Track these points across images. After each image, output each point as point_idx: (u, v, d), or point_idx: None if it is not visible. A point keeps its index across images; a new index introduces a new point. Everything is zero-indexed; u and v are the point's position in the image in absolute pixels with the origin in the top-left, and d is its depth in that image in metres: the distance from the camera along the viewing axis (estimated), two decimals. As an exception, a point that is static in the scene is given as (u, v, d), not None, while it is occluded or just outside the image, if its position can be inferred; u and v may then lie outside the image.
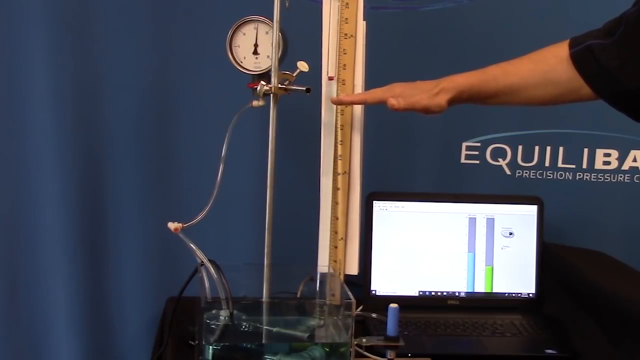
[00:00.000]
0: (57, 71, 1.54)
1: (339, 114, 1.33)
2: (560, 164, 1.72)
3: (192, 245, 1.19)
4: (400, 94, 1.21)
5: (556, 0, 1.66)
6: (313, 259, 1.37)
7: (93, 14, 1.55)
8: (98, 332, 1.64)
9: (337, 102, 1.30)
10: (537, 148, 1.71)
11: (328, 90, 1.32)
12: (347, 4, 1.31)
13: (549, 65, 1.15)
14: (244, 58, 1.28)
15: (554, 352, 1.38)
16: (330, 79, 1.31)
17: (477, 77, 1.20)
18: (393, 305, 1.17)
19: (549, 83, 1.16)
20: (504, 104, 1.22)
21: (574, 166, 1.72)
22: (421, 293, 1.55)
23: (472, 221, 1.56)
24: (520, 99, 1.19)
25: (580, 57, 1.12)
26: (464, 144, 1.70)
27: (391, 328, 1.17)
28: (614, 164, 1.72)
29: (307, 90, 1.25)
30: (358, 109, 1.34)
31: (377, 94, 1.24)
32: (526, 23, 1.65)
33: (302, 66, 1.25)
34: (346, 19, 1.31)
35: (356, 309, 1.19)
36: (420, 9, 1.63)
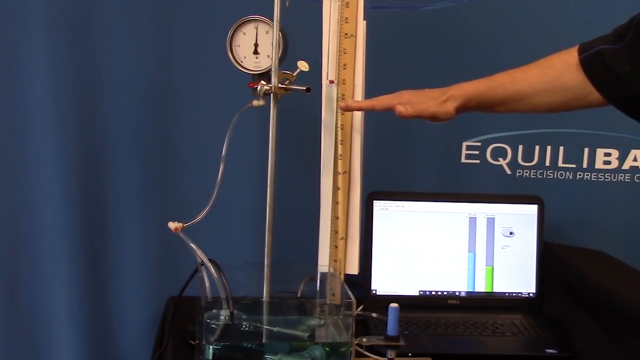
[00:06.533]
0: (57, 71, 1.54)
1: (339, 114, 1.33)
2: (560, 164, 1.72)
3: (192, 244, 1.19)
4: (408, 101, 1.21)
5: (556, 1, 1.66)
6: (313, 258, 1.37)
7: (93, 14, 1.54)
8: (98, 332, 1.63)
9: (345, 108, 1.30)
10: (537, 148, 1.71)
11: (328, 90, 1.32)
12: (347, 3, 1.31)
13: (557, 72, 1.15)
14: (244, 58, 1.28)
15: (554, 351, 1.38)
16: (331, 82, 1.31)
17: (484, 84, 1.20)
18: (393, 305, 1.17)
19: (558, 89, 1.16)
20: (512, 111, 1.22)
21: (574, 166, 1.72)
22: (421, 292, 1.55)
23: (473, 221, 1.56)
24: (529, 106, 1.19)
25: (590, 63, 1.12)
26: (465, 144, 1.70)
27: (391, 328, 1.17)
28: (615, 164, 1.72)
29: (307, 89, 1.25)
30: (358, 109, 1.34)
31: (385, 100, 1.24)
32: (526, 23, 1.65)
33: (303, 66, 1.25)
34: (346, 18, 1.31)
35: (356, 308, 1.19)
36: (420, 9, 1.63)
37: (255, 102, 1.25)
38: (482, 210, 1.56)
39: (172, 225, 1.19)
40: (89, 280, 1.61)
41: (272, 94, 1.24)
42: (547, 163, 1.72)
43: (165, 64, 1.59)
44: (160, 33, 1.57)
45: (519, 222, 1.57)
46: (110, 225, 1.62)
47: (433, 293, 1.56)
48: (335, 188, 1.35)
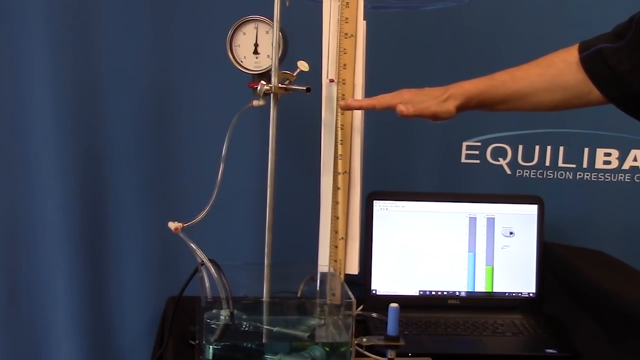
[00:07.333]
0: (57, 71, 1.54)
1: (339, 114, 1.33)
2: (560, 164, 1.72)
3: (192, 244, 1.19)
4: (409, 100, 1.20)
5: (556, 0, 1.66)
6: (313, 258, 1.37)
7: (93, 14, 1.54)
8: (98, 332, 1.63)
9: (345, 107, 1.30)
10: (537, 147, 1.71)
11: (328, 90, 1.32)
12: (347, 3, 1.31)
13: (557, 70, 1.15)
14: (244, 57, 1.28)
15: (554, 351, 1.38)
16: (331, 81, 1.31)
17: (485, 83, 1.20)
18: (393, 305, 1.17)
19: (558, 88, 1.16)
20: (513, 110, 1.22)
21: (574, 166, 1.72)
22: (421, 292, 1.55)
23: (473, 221, 1.56)
24: (529, 105, 1.19)
25: (590, 61, 1.12)
26: (465, 144, 1.70)
27: (391, 327, 1.17)
28: (615, 164, 1.72)
29: (308, 89, 1.25)
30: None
31: (385, 99, 1.23)
32: (526, 23, 1.65)
33: (303, 66, 1.25)
34: (346, 18, 1.31)
35: (356, 308, 1.19)
36: (420, 9, 1.63)
37: (255, 102, 1.25)
38: (482, 210, 1.56)
39: (172, 225, 1.19)
40: (89, 280, 1.61)
41: (272, 94, 1.24)
42: (547, 163, 1.72)
43: (165, 64, 1.59)
44: (160, 33, 1.57)
45: (519, 222, 1.57)
46: (110, 225, 1.62)
47: (433, 293, 1.56)
48: (335, 188, 1.35)
